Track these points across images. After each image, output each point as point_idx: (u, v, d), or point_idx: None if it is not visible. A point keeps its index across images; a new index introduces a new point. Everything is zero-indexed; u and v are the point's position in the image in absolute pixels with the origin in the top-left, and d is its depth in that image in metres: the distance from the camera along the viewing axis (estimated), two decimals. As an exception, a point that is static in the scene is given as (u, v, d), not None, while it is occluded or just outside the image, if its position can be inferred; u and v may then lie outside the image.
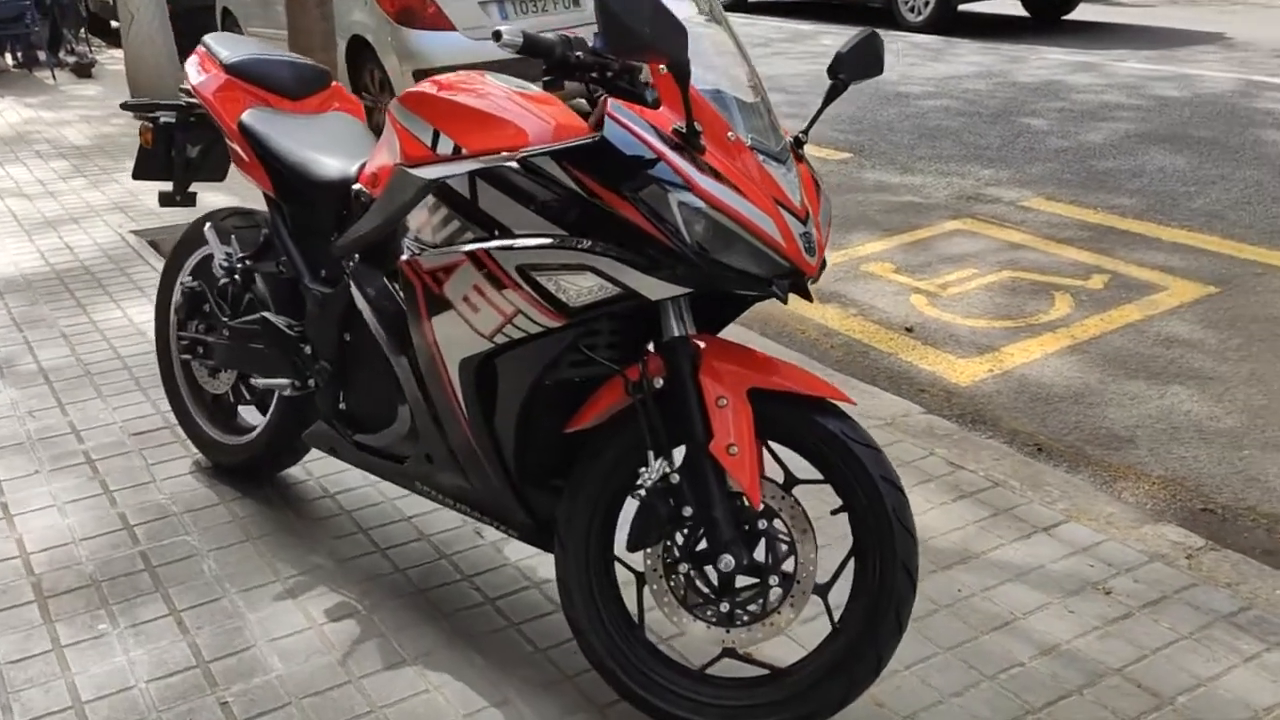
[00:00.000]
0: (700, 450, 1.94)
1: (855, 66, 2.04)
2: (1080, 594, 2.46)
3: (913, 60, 9.77)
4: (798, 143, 2.01)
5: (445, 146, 2.08)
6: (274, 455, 2.86)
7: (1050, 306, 4.32)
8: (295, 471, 2.99)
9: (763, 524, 1.96)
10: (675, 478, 1.97)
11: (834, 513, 1.99)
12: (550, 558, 2.52)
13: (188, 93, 2.91)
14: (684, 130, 1.82)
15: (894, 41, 10.67)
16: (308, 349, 2.53)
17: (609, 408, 2.03)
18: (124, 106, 2.96)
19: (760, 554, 1.97)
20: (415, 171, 2.13)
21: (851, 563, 1.97)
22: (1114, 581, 2.50)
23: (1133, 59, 9.31)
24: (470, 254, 1.99)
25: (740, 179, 1.83)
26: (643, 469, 1.99)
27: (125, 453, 3.15)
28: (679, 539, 1.99)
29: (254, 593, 2.50)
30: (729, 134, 1.86)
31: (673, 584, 2.01)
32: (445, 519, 2.77)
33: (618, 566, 2.10)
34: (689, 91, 1.78)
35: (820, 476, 1.98)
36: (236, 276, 2.68)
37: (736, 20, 13.25)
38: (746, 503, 1.96)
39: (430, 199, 2.10)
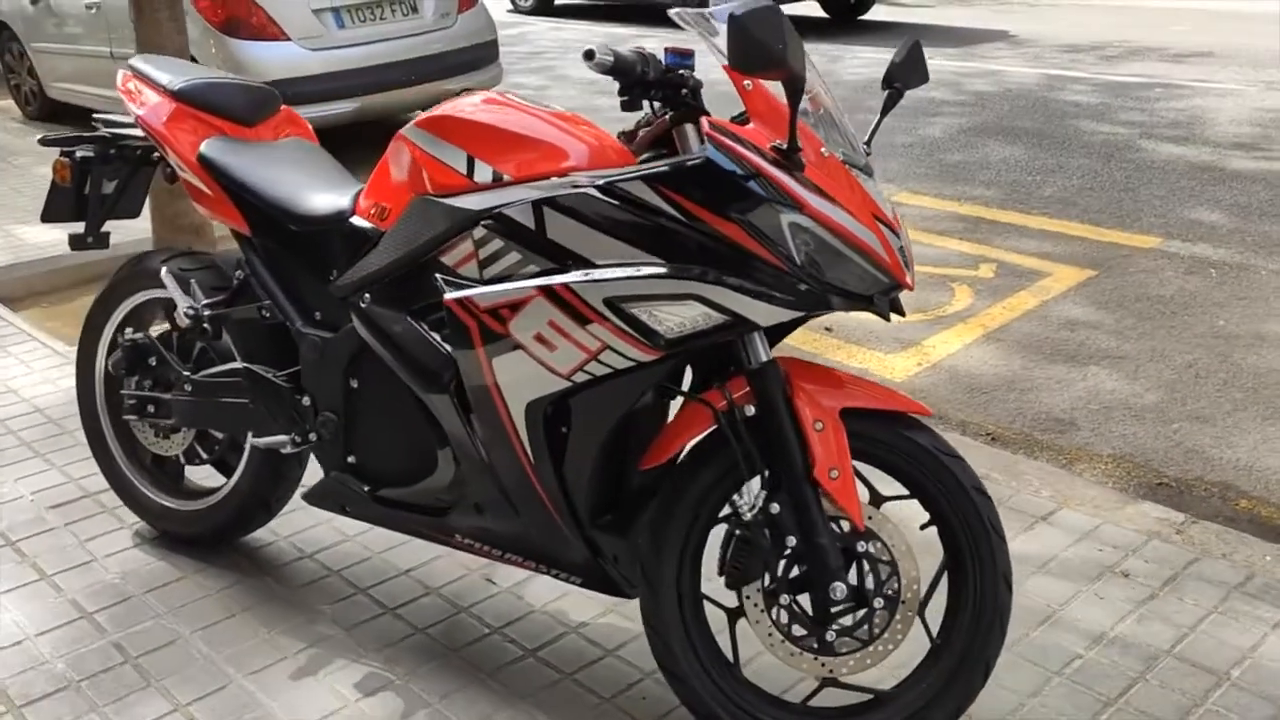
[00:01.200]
0: (803, 477, 1.88)
1: (908, 75, 2.02)
2: (1102, 579, 2.53)
3: (733, 62, 9.94)
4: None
5: (483, 173, 1.95)
6: (245, 518, 2.60)
7: (953, 297, 4.46)
8: (258, 534, 2.73)
9: (861, 546, 1.92)
10: (775, 507, 1.89)
11: (923, 527, 1.96)
12: (578, 597, 2.43)
13: (106, 123, 2.61)
14: (784, 147, 1.75)
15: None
16: (305, 400, 2.30)
17: (691, 439, 1.94)
18: (44, 142, 2.62)
19: (863, 578, 1.92)
20: (453, 201, 1.97)
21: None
22: (1127, 564, 2.58)
23: (939, 56, 9.78)
24: (544, 288, 1.85)
25: (841, 195, 1.78)
26: (737, 500, 1.91)
27: (49, 529, 2.80)
28: (780, 569, 1.92)
29: (264, 674, 2.26)
30: (822, 149, 1.80)
31: (775, 616, 1.94)
32: (445, 568, 2.60)
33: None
34: (796, 108, 1.71)
35: (905, 492, 1.95)
36: (206, 325, 2.41)
37: (544, 25, 13.19)
38: (847, 526, 1.91)
39: (479, 230, 1.94)
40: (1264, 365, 3.79)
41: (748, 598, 1.94)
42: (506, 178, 1.95)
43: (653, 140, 1.98)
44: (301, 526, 2.75)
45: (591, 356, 1.86)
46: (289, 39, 6.65)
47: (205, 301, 2.42)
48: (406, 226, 2.07)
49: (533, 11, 14.00)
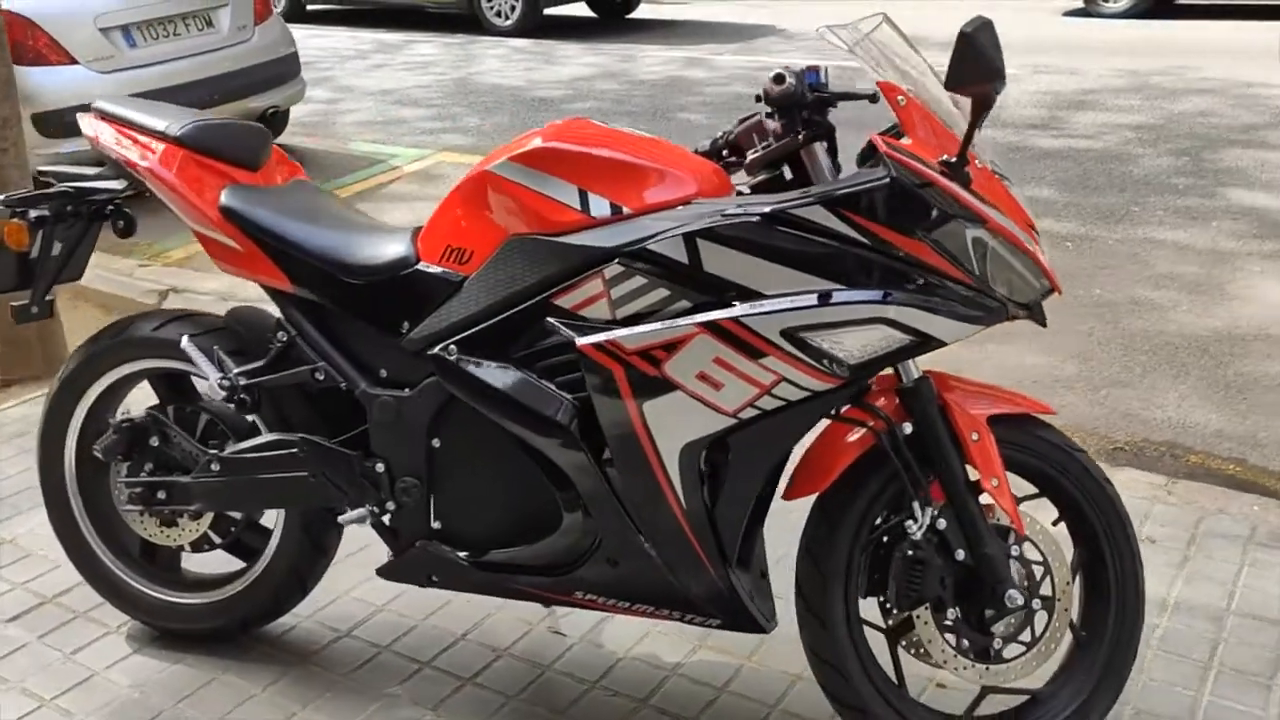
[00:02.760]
0: (966, 489, 1.88)
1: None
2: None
3: (527, 64, 9.83)
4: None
5: (599, 207, 1.83)
6: (279, 602, 2.34)
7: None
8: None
9: (1015, 549, 1.94)
10: (941, 522, 1.88)
11: (1054, 524, 2.00)
12: (658, 638, 2.36)
13: (61, 176, 2.28)
14: (952, 161, 1.73)
15: (493, 47, 10.68)
16: (379, 466, 2.09)
17: (848, 462, 1.89)
18: (7, 203, 2.24)
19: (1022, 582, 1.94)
20: (574, 239, 1.85)
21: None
22: (1145, 530, 2.74)
23: (725, 53, 10.03)
24: (708, 324, 1.76)
25: (1003, 204, 1.79)
26: (905, 521, 1.88)
27: (19, 646, 2.42)
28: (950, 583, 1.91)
29: (365, 775, 2.05)
30: (978, 160, 1.80)
31: (946, 631, 1.93)
32: (502, 626, 2.43)
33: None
34: (972, 126, 1.70)
35: (1033, 491, 1.99)
36: (243, 397, 2.13)
37: (302, 33, 12.54)
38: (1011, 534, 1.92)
39: (613, 268, 1.82)
40: (1151, 328, 4.11)
41: (918, 616, 1.92)
42: (626, 210, 1.85)
43: (767, 161, 1.92)
44: (318, 603, 2.50)
45: (764, 391, 1.78)
46: (76, 62, 6.04)
47: (239, 370, 2.15)
48: (504, 269, 1.92)
49: (285, 19, 13.31)
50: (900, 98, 1.76)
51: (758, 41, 10.59)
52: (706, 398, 1.80)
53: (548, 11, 11.45)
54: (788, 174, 1.93)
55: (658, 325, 1.80)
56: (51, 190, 2.25)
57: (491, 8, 11.39)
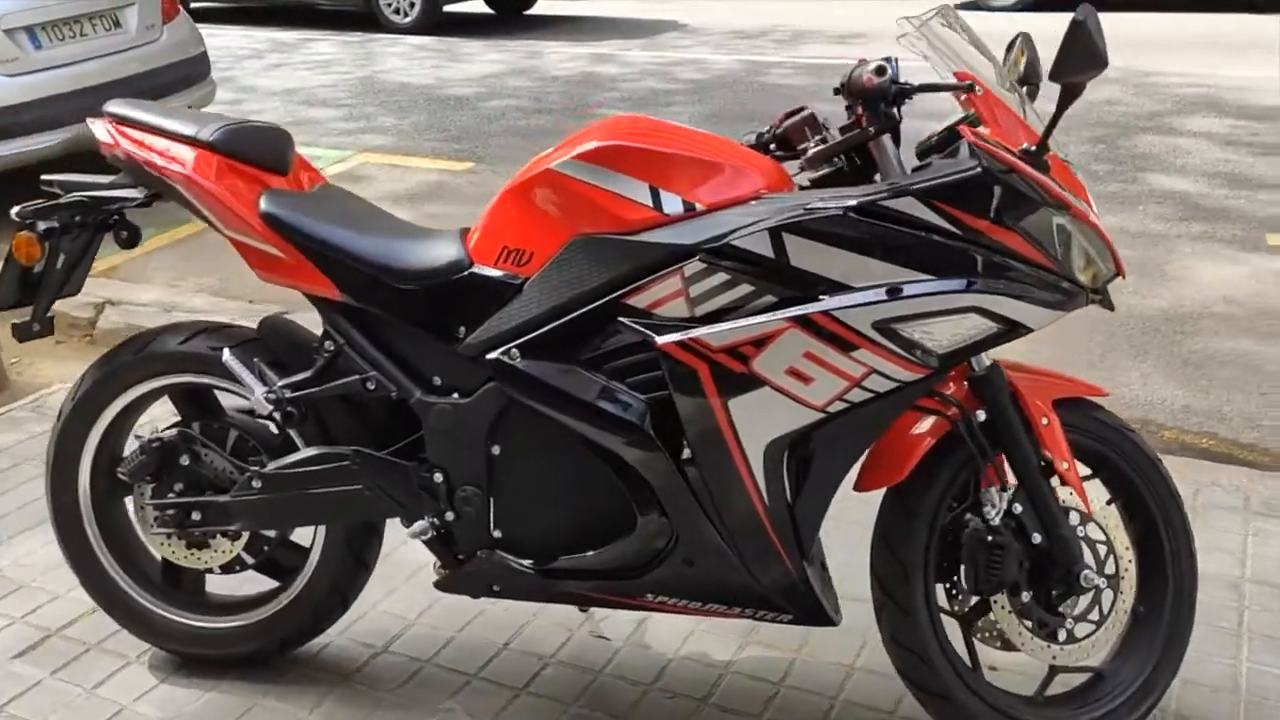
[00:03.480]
0: (1042, 474, 1.91)
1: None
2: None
3: (433, 62, 9.68)
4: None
5: (672, 204, 1.82)
6: (320, 620, 2.25)
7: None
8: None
9: (1081, 530, 1.98)
10: (1017, 507, 1.92)
11: (1108, 503, 2.06)
12: (704, 636, 2.36)
13: (71, 185, 2.15)
14: (1032, 150, 1.76)
15: (393, 45, 10.48)
16: (437, 476, 2.03)
17: (922, 453, 1.91)
18: (23, 215, 2.09)
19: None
20: (650, 237, 1.83)
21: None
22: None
23: (633, 48, 10.04)
24: (799, 319, 1.76)
25: (1076, 191, 1.82)
26: (985, 507, 1.91)
27: (33, 685, 2.28)
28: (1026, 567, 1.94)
29: (439, 792, 1.98)
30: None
31: (1023, 614, 1.96)
32: (543, 633, 2.39)
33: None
34: (1058, 114, 1.73)
35: (1087, 472, 2.04)
36: (290, 410, 2.04)
37: (188, 34, 12.13)
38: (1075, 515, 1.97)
39: (694, 265, 1.80)
40: (1102, 311, 4.24)
41: (995, 600, 1.95)
42: (699, 207, 1.83)
43: (830, 155, 1.92)
44: (347, 620, 2.40)
45: (854, 384, 1.79)
46: (-21, 66, 5.72)
47: (284, 382, 2.06)
48: (570, 269, 1.88)
49: (167, 18, 12.81)
50: (978, 87, 1.78)
51: (662, 37, 10.63)
52: (795, 393, 1.80)
53: (447, 9, 11.28)
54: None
55: (745, 321, 1.79)
56: (65, 200, 2.12)
57: (389, 5, 11.17)
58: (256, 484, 2.10)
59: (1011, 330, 1.77)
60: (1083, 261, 1.81)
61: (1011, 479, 1.94)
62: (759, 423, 1.83)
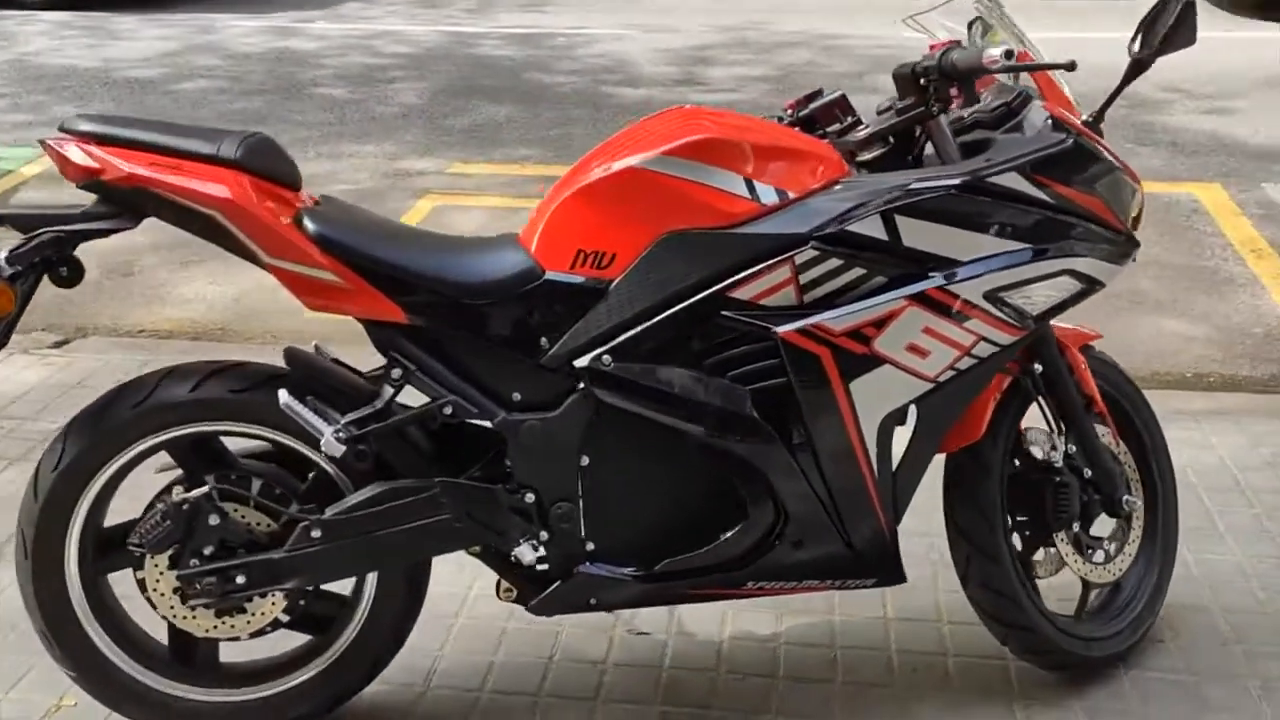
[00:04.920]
0: (1085, 415, 2.11)
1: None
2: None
3: (87, 41, 8.71)
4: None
5: (767, 195, 1.84)
6: (375, 668, 2.07)
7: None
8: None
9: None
10: (1071, 448, 2.11)
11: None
12: (744, 614, 2.41)
13: (42, 218, 1.82)
14: (1090, 121, 1.93)
15: (27, 23, 9.33)
16: (528, 496, 1.92)
17: (992, 409, 2.05)
18: (13, 259, 1.71)
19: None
20: (757, 228, 1.83)
21: None
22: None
23: (317, 20, 9.52)
24: (916, 296, 1.83)
25: (1116, 155, 2.01)
26: (1048, 452, 2.08)
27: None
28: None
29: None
30: (1084, 116, 2.00)
31: (1080, 544, 2.15)
32: (583, 640, 2.33)
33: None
34: (1122, 86, 1.90)
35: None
36: (361, 448, 1.85)
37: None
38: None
39: (806, 253, 1.82)
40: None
41: (1060, 536, 2.13)
42: (791, 195, 1.85)
43: (884, 135, 2.00)
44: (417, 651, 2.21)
45: (965, 352, 1.89)
46: None
47: (351, 418, 1.86)
48: (664, 267, 1.85)
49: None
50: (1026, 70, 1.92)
51: (343, 8, 10.17)
52: (912, 367, 1.87)
53: (83, -20, 10.13)
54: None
55: (865, 303, 1.83)
56: (41, 238, 1.79)
57: (16, -23, 9.88)
58: (316, 533, 1.89)
59: (1090, 288, 1.94)
60: (1134, 217, 2.00)
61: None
62: (876, 400, 1.89)
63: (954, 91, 1.93)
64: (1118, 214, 1.95)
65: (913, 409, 1.94)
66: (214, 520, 1.90)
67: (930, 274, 1.85)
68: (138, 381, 1.93)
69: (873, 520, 1.98)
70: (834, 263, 1.84)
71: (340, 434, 1.84)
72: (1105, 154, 1.92)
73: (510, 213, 5.08)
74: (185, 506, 1.87)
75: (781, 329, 1.83)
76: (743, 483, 1.93)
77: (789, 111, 2.10)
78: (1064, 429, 2.12)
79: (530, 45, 8.55)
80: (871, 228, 1.83)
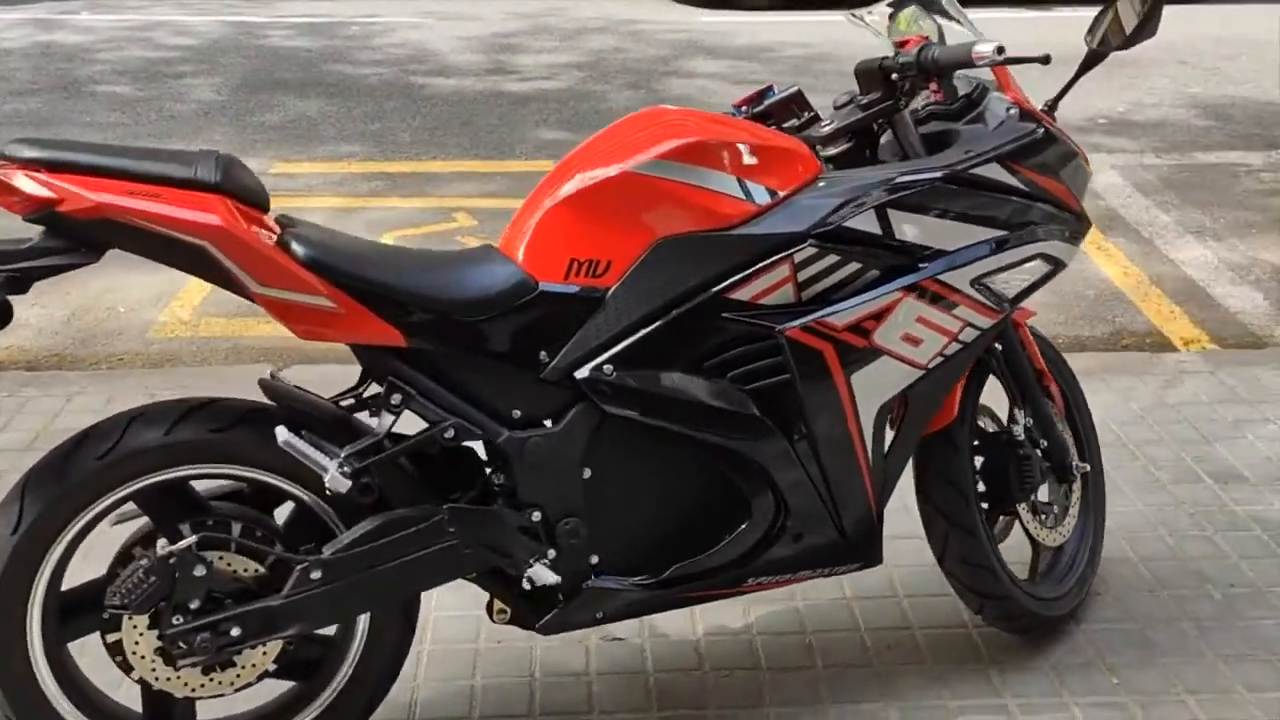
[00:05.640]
0: (1042, 388, 2.23)
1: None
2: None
3: None
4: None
5: (759, 194, 1.86)
6: (374, 704, 1.96)
7: (480, 250, 4.60)
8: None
9: (1062, 428, 2.33)
10: (1029, 420, 2.22)
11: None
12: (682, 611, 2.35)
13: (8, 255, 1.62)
14: (1048, 109, 2.03)
15: None
16: (534, 514, 1.86)
17: (959, 392, 2.13)
18: None
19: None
20: (754, 229, 1.84)
21: None
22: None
23: (81, 11, 8.82)
24: (911, 287, 1.88)
25: None
26: (1012, 427, 2.19)
27: None
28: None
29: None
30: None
31: (1037, 512, 2.27)
32: (554, 654, 2.27)
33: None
34: (1078, 75, 2.00)
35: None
36: (365, 481, 1.73)
37: None
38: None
39: (805, 250, 1.84)
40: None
41: (1020, 506, 2.24)
42: (780, 194, 1.87)
43: (851, 130, 2.04)
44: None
45: (953, 338, 1.95)
46: None
47: (351, 450, 1.74)
48: (662, 272, 1.83)
49: None
50: (1000, 57, 1.98)
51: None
52: (908, 356, 1.92)
53: None
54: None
55: (865, 297, 1.87)
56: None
57: None
58: (316, 574, 1.76)
59: (1056, 270, 2.05)
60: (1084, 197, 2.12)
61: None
62: (873, 391, 1.92)
63: (933, 86, 1.99)
64: (1077, 197, 2.06)
65: None
66: (200, 571, 1.74)
67: (920, 265, 1.91)
68: (99, 429, 1.74)
69: (865, 507, 2.02)
70: (832, 259, 1.86)
71: (344, 468, 1.73)
72: (1068, 141, 2.03)
73: (348, 213, 4.89)
74: (172, 560, 1.71)
75: (785, 327, 1.84)
76: (745, 481, 1.93)
77: (742, 109, 2.10)
78: (1021, 403, 2.23)
79: (323, 35, 8.21)
80: (866, 222, 1.86)
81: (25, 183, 1.57)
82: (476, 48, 7.88)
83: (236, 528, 1.81)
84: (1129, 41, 1.94)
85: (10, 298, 1.63)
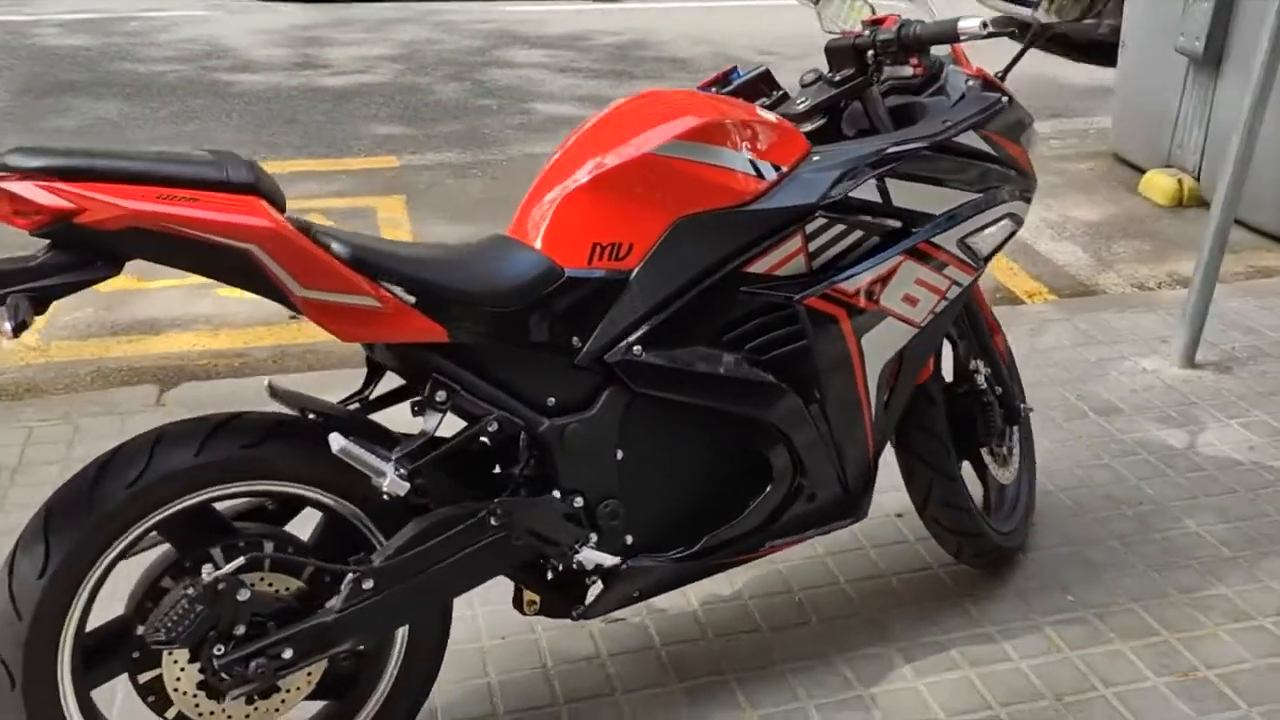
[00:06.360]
0: (991, 342, 2.40)
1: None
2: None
3: None
4: None
5: (767, 171, 1.95)
6: (414, 712, 1.91)
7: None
8: None
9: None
10: (988, 370, 2.38)
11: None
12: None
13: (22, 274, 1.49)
14: (1000, 78, 2.18)
15: None
16: (576, 500, 1.85)
17: (934, 348, 2.27)
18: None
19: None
20: (770, 204, 1.91)
21: None
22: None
23: None
24: (910, 250, 1.98)
25: None
26: (976, 377, 2.34)
27: None
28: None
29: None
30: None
31: (993, 452, 2.44)
32: (555, 641, 2.28)
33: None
34: (1026, 47, 2.15)
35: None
36: (420, 480, 1.68)
37: None
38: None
39: (816, 221, 1.92)
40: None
41: (985, 450, 2.40)
42: (784, 169, 1.94)
43: (825, 106, 2.12)
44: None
45: (942, 296, 2.08)
46: None
47: (402, 452, 1.69)
48: (681, 251, 1.87)
49: None
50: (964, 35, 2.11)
51: None
52: (907, 316, 2.03)
53: None
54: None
55: (870, 262, 1.96)
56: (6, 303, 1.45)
57: None
58: (368, 584, 1.71)
59: (1017, 228, 2.20)
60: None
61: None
62: (878, 350, 2.03)
63: (914, 61, 2.09)
64: (1030, 159, 2.22)
65: None
66: (244, 595, 1.66)
67: (913, 229, 2.01)
68: (122, 454, 1.62)
69: (866, 463, 2.12)
70: (839, 228, 1.94)
71: (400, 471, 1.68)
72: (1023, 109, 2.18)
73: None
74: (221, 586, 1.62)
75: (803, 296, 1.91)
76: (766, 447, 2.00)
77: (710, 89, 2.16)
78: (980, 354, 2.39)
79: (99, 32, 7.67)
80: (868, 192, 1.95)
81: (37, 193, 1.45)
82: (278, 41, 7.55)
83: (269, 546, 1.73)
84: (1086, 13, 2.09)
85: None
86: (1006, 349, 2.60)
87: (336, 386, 2.05)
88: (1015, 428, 2.55)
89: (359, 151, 5.53)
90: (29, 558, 1.57)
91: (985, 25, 1.94)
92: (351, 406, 1.87)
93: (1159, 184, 5.13)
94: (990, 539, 2.39)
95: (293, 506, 1.84)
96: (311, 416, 1.73)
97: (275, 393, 1.79)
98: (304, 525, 1.82)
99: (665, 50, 6.80)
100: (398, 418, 1.82)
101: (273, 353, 3.67)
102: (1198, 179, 5.00)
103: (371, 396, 1.89)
